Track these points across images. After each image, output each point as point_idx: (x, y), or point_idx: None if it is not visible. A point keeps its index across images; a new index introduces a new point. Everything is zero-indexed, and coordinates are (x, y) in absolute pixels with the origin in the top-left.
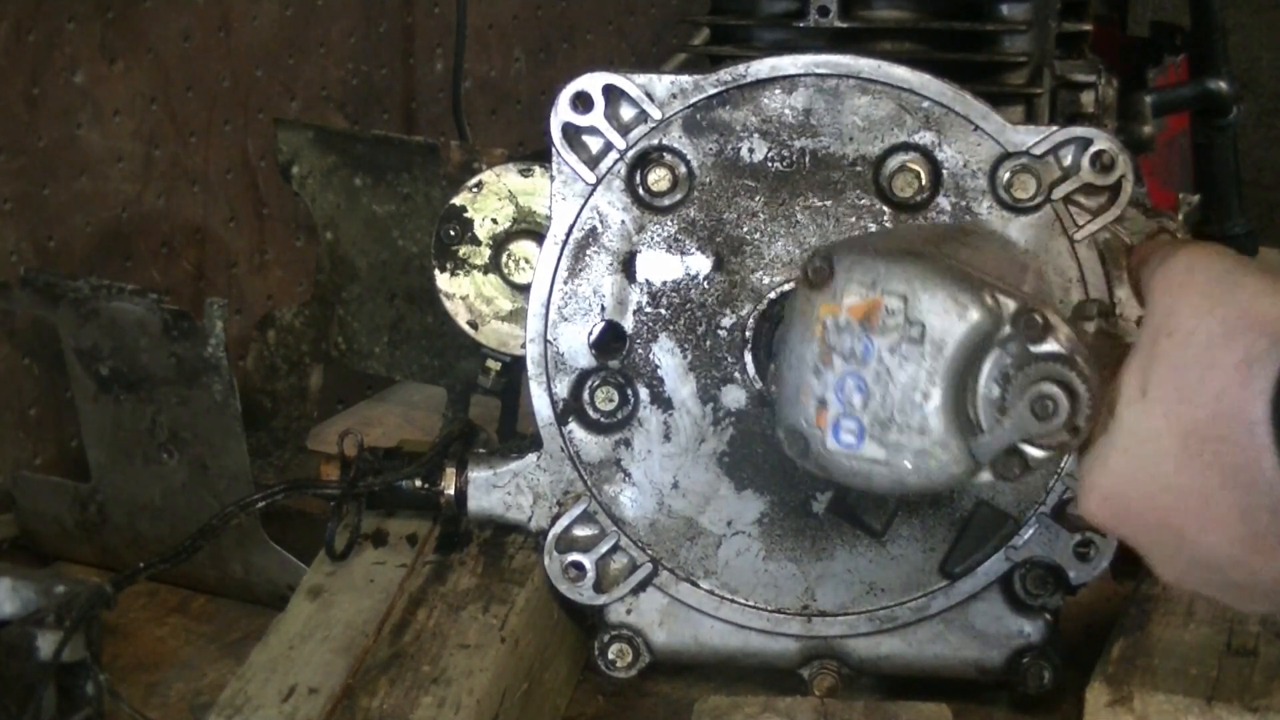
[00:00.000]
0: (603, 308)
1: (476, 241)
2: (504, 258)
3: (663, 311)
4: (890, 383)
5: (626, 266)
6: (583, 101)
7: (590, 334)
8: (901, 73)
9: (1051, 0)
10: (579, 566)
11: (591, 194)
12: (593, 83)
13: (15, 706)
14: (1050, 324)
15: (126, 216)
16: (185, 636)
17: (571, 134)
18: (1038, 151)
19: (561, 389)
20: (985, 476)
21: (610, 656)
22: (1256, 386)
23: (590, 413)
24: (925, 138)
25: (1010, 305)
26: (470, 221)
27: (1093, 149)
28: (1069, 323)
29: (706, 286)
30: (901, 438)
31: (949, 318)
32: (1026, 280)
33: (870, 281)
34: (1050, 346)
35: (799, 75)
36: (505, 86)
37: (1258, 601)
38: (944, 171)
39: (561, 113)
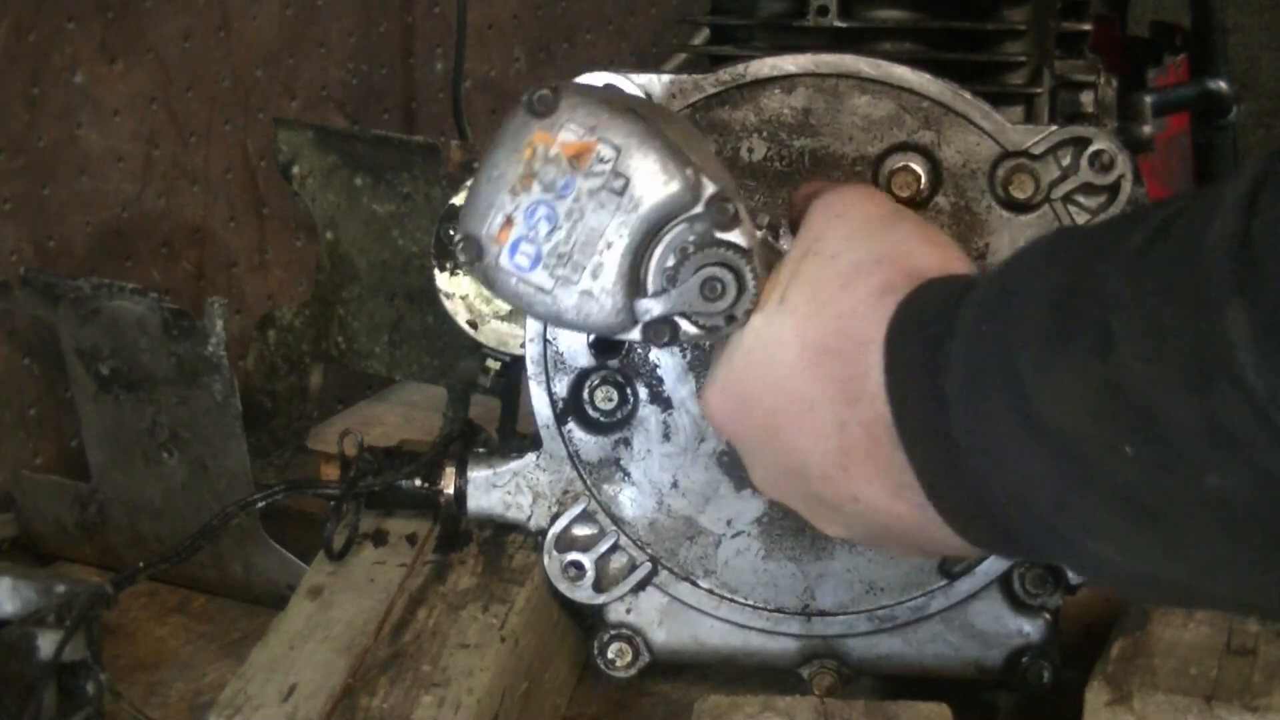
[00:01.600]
0: None
1: None
2: None
3: None
4: (580, 221)
5: None
6: None
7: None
8: (901, 72)
9: (1051, 0)
10: (578, 566)
11: None
12: (593, 82)
13: (15, 706)
14: (740, 216)
15: (126, 216)
16: (185, 636)
17: None
18: (1037, 151)
19: (561, 388)
20: (635, 335)
21: (610, 656)
22: (881, 311)
23: (590, 412)
24: (925, 137)
25: (709, 189)
26: None
27: (1092, 149)
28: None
29: None
30: (573, 275)
31: (654, 180)
32: (721, 169)
33: (591, 126)
34: (734, 236)
35: (798, 75)
36: (505, 86)
37: (832, 523)
38: (943, 171)
39: None
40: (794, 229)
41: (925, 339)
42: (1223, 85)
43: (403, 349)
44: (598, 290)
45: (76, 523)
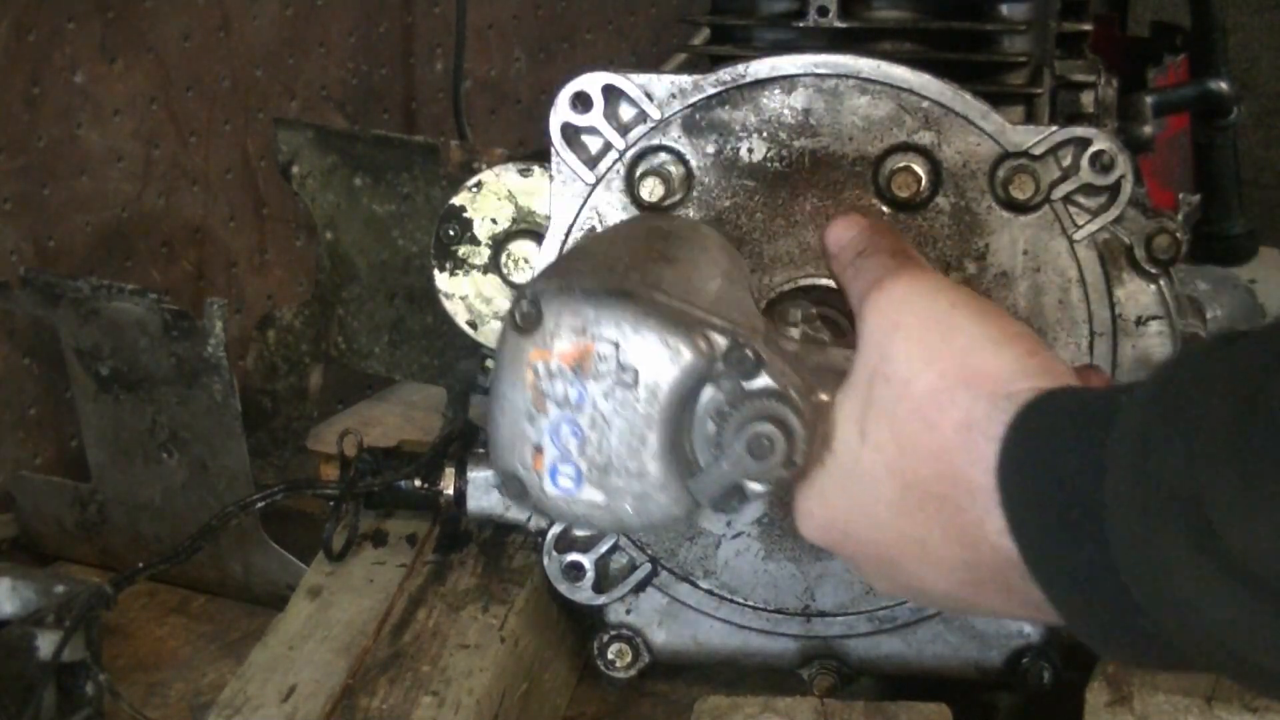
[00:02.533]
0: None
1: (476, 241)
2: (503, 257)
3: None
4: (606, 428)
5: None
6: (582, 101)
7: None
8: (901, 73)
9: (1051, 0)
10: (578, 566)
11: (591, 194)
12: (592, 83)
13: (15, 706)
14: (761, 359)
15: (126, 216)
16: (185, 636)
17: (571, 134)
18: (1037, 152)
19: None
20: (708, 514)
21: (610, 656)
22: (978, 451)
23: None
24: (925, 138)
25: (721, 343)
26: (469, 221)
27: (1092, 149)
28: (773, 336)
29: None
30: (620, 481)
31: (661, 362)
32: (735, 287)
33: (580, 327)
34: (762, 382)
35: (798, 75)
36: (505, 86)
37: (966, 613)
38: (943, 171)
39: (561, 112)
40: (847, 299)
41: (1052, 484)
42: (1223, 85)
43: (403, 349)
44: (651, 489)
45: (76, 523)
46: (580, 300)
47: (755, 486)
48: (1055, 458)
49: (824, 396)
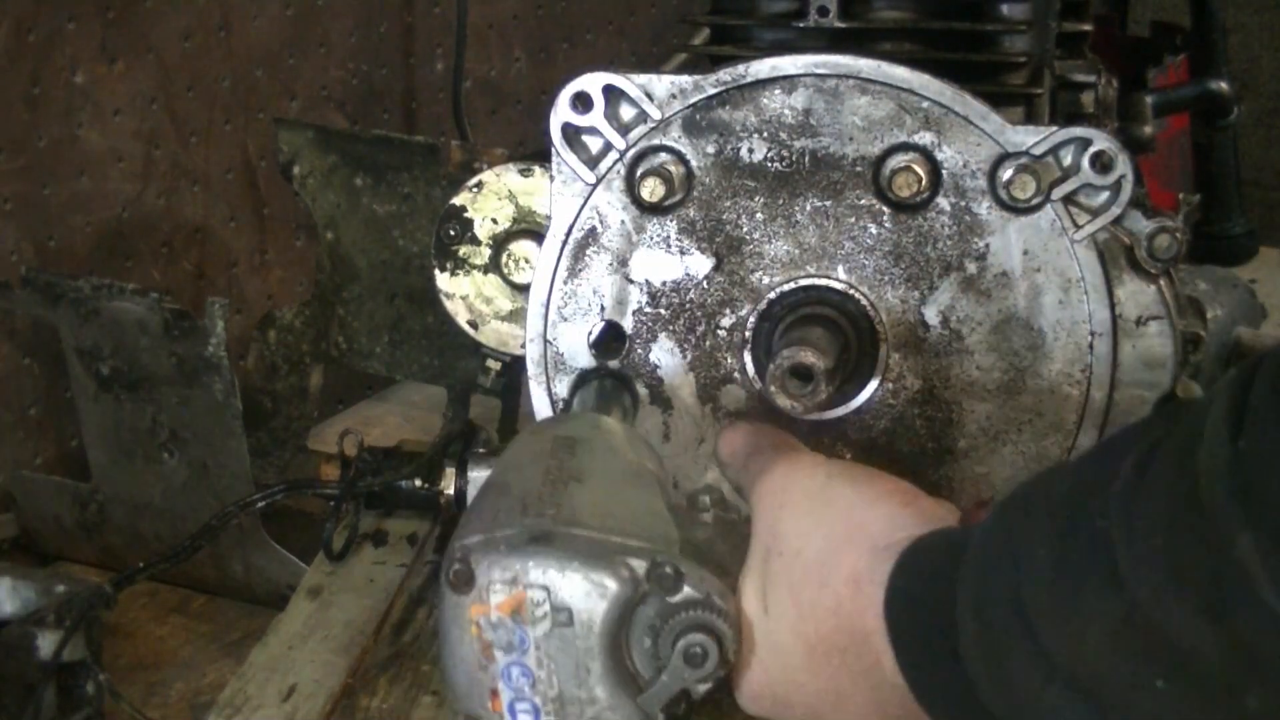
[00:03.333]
0: (602, 308)
1: (476, 241)
2: (504, 257)
3: (662, 312)
4: (553, 665)
5: (626, 266)
6: (582, 101)
7: (590, 334)
8: (901, 73)
9: (1051, 0)
10: None
11: (591, 194)
12: (592, 83)
13: (15, 706)
14: (680, 573)
15: (127, 216)
16: (185, 636)
17: (571, 134)
18: (1037, 152)
19: (561, 389)
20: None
21: None
22: (867, 599)
23: None
24: (925, 138)
25: (641, 567)
26: (470, 221)
27: (1092, 149)
28: (688, 519)
29: (706, 287)
30: (574, 709)
31: (591, 598)
32: (642, 490)
33: (511, 579)
34: (685, 594)
35: (799, 75)
36: (505, 86)
37: None
38: (943, 172)
39: (561, 113)
40: (737, 490)
41: (926, 615)
42: (1223, 85)
43: (403, 349)
44: (604, 711)
45: (76, 523)
46: (505, 554)
47: (699, 688)
48: (925, 592)
49: (735, 564)
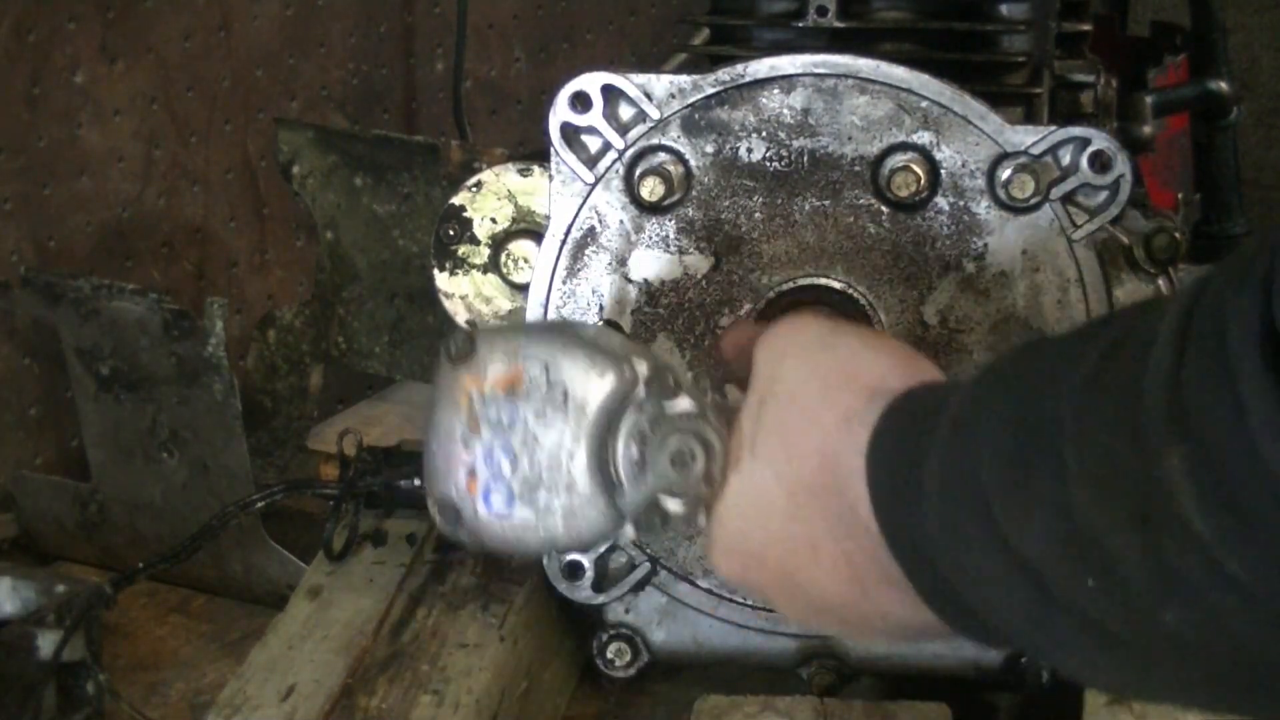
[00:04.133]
0: (601, 307)
1: (475, 241)
2: (503, 257)
3: (661, 311)
4: (537, 445)
5: (625, 266)
6: (581, 101)
7: None
8: (900, 73)
9: (1051, 0)
10: (578, 566)
11: (590, 193)
12: (591, 83)
13: (15, 706)
14: (680, 383)
15: (127, 216)
16: (185, 636)
17: (570, 134)
18: (1036, 151)
19: None
20: (629, 530)
21: (609, 656)
22: (854, 438)
23: None
24: (923, 138)
25: (643, 368)
26: (469, 221)
27: (1091, 149)
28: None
29: (705, 286)
30: (551, 497)
31: (589, 379)
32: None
33: (513, 351)
34: (683, 404)
35: (797, 75)
36: (505, 86)
37: (873, 635)
38: (942, 171)
39: (560, 112)
40: (728, 378)
41: (904, 462)
42: (1223, 85)
43: (403, 349)
44: (578, 504)
45: (76, 523)
46: (513, 331)
47: (674, 505)
48: (904, 441)
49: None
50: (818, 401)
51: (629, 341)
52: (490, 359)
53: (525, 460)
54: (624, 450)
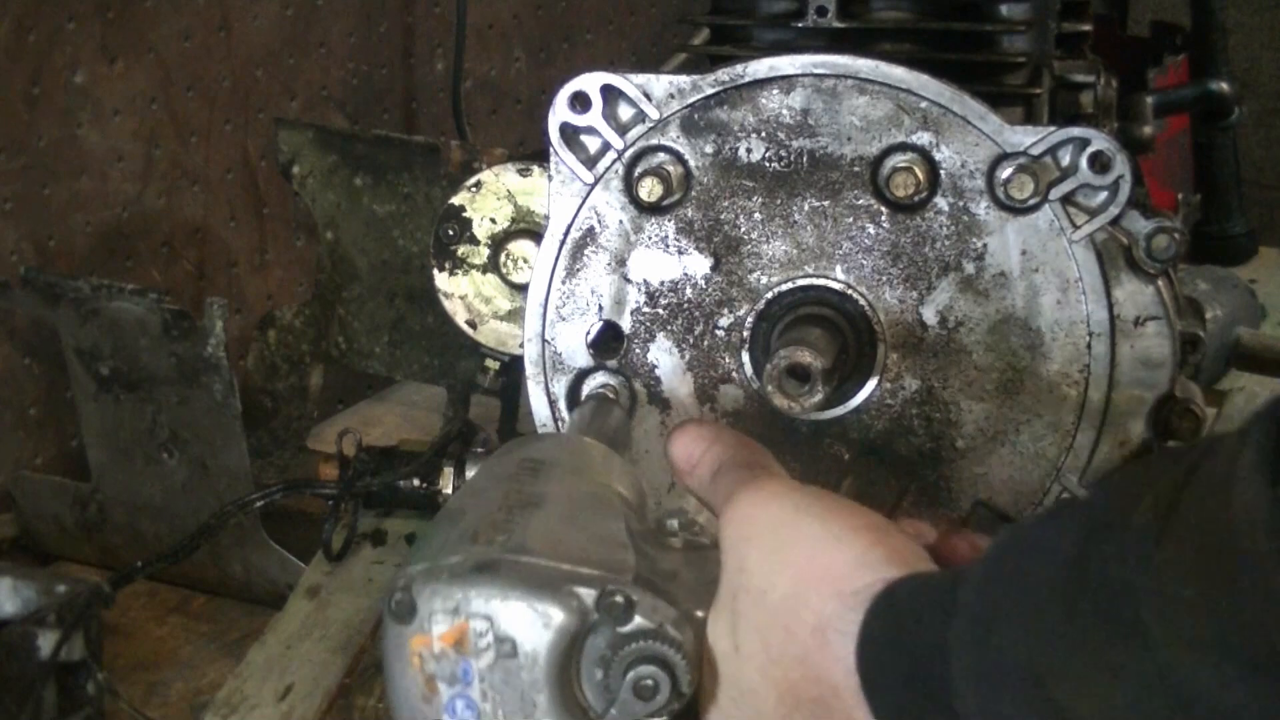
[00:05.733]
0: (600, 307)
1: (475, 241)
2: (502, 257)
3: (660, 311)
4: (498, 697)
5: (624, 266)
6: (581, 101)
7: (588, 334)
8: (899, 73)
9: (1051, 0)
10: None
11: (589, 194)
12: (591, 83)
13: (15, 706)
14: (631, 601)
15: (127, 216)
16: (185, 636)
17: (569, 134)
18: (1035, 152)
19: (560, 388)
20: None
21: None
22: (834, 651)
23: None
24: (923, 138)
25: (590, 595)
26: (469, 221)
27: (1090, 149)
28: (655, 544)
29: (704, 286)
30: None
31: (535, 628)
32: (606, 519)
33: (453, 608)
34: (636, 623)
35: (797, 75)
36: (505, 86)
37: None
38: (942, 172)
39: (559, 113)
40: (707, 507)
41: (909, 669)
42: (1224, 86)
43: (403, 349)
44: None
45: (76, 522)
46: (448, 583)
47: None
48: (906, 646)
49: (702, 614)
50: (789, 606)
51: (581, 545)
52: (432, 617)
53: (489, 711)
54: (587, 680)
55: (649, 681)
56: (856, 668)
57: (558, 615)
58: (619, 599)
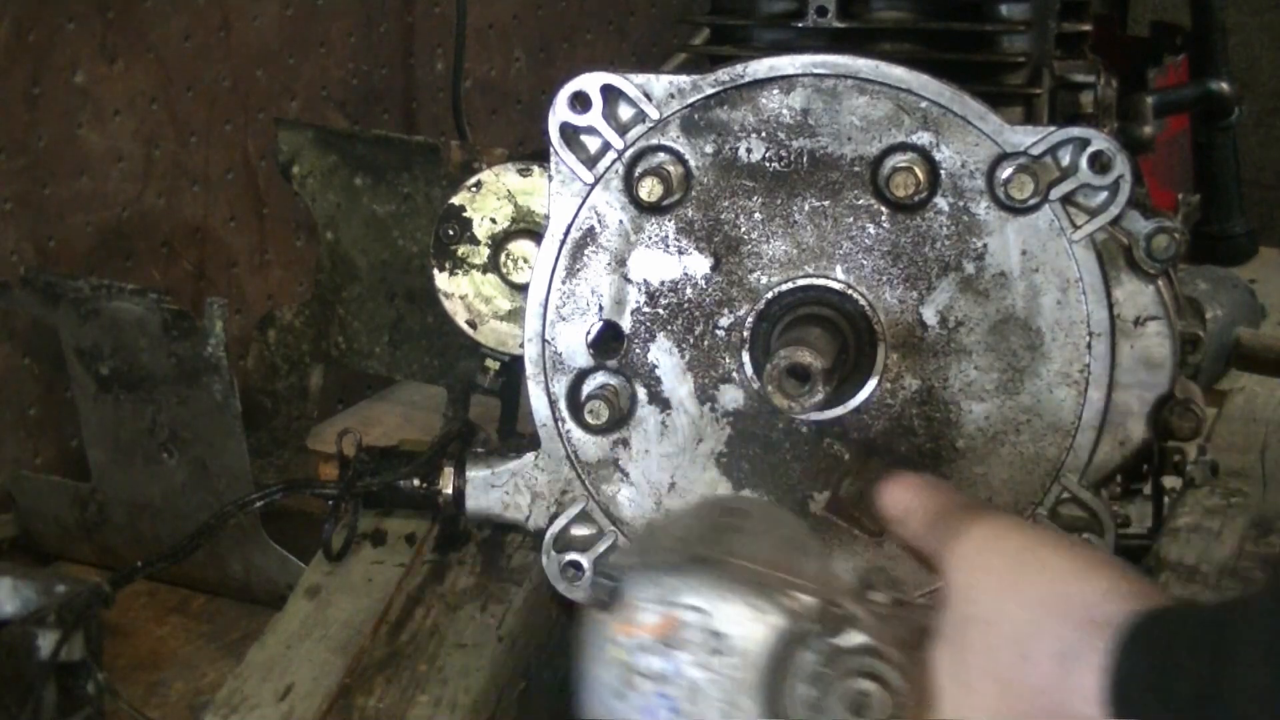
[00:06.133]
0: (601, 307)
1: (475, 241)
2: (503, 257)
3: (660, 311)
4: (702, 698)
5: (624, 266)
6: (581, 101)
7: (588, 333)
8: (899, 73)
9: (1051, 0)
10: (577, 566)
11: (589, 194)
12: (591, 83)
13: (15, 706)
14: (853, 616)
15: (127, 216)
16: (185, 636)
17: (570, 134)
18: (1035, 152)
19: (560, 388)
20: None
21: None
22: (1079, 682)
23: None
24: (923, 138)
25: (810, 603)
26: (469, 221)
27: (1090, 149)
28: (861, 601)
29: (704, 286)
30: None
31: (750, 625)
32: (809, 558)
33: (663, 597)
34: (857, 639)
35: (797, 75)
36: (505, 86)
37: None
38: (942, 172)
39: (560, 113)
40: (921, 562)
41: (1173, 701)
42: (1223, 85)
43: (403, 349)
44: None
45: (76, 522)
46: (660, 571)
47: None
48: (1172, 680)
49: (918, 654)
50: (1028, 633)
51: (783, 558)
52: (640, 607)
53: (690, 709)
54: (799, 694)
55: (864, 696)
56: (1110, 699)
57: (774, 614)
58: (840, 611)
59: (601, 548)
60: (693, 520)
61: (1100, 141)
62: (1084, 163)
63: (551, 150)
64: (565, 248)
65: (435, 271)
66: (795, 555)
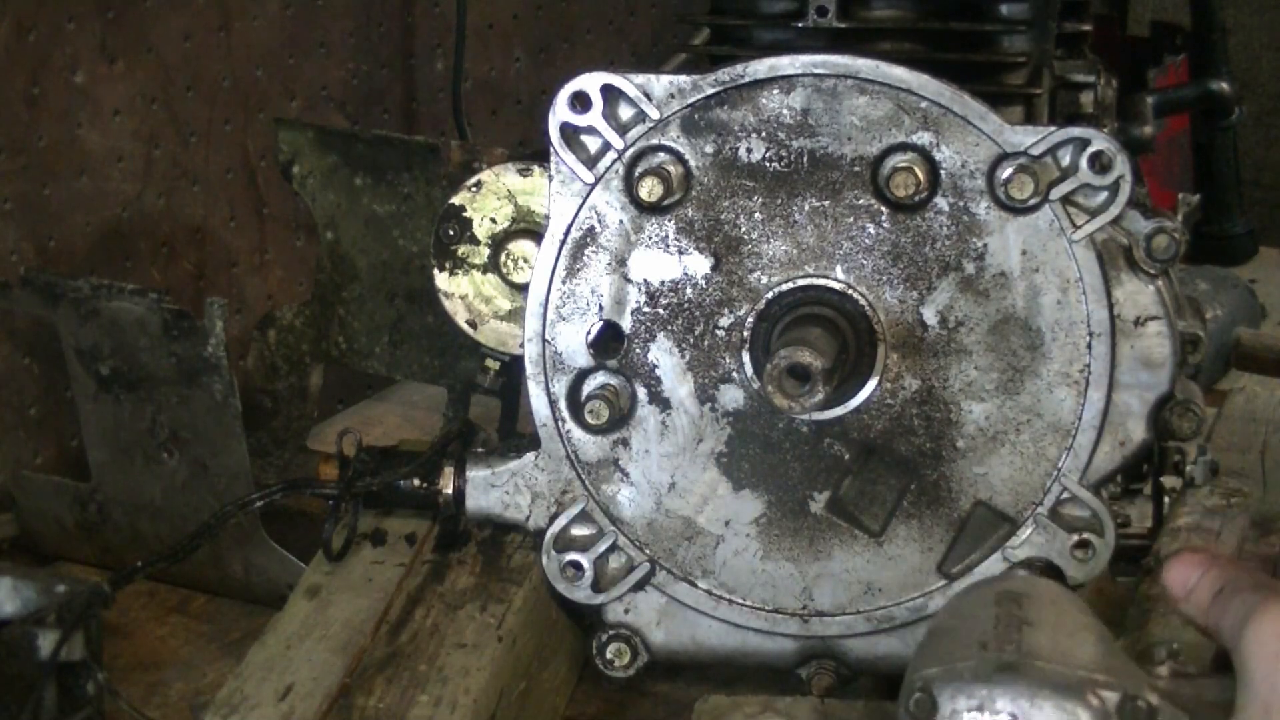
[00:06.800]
0: (601, 307)
1: (475, 241)
2: (503, 257)
3: (661, 311)
4: None
5: (624, 266)
6: (581, 101)
7: (588, 333)
8: (899, 73)
9: (1051, 0)
10: (577, 566)
11: (590, 194)
12: (591, 83)
13: (15, 706)
14: (1154, 709)
15: (127, 216)
16: (185, 636)
17: (570, 134)
18: (1036, 152)
19: (560, 388)
20: None
21: (608, 656)
22: None
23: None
24: (923, 138)
25: (1112, 699)
26: (469, 221)
27: (1090, 149)
28: (1154, 680)
29: (704, 286)
30: None
31: None
32: (1099, 643)
33: (978, 706)
34: None
35: (797, 75)
36: (505, 86)
37: None
38: (942, 171)
39: (560, 113)
40: (1208, 635)
41: None
42: (1223, 85)
43: (403, 349)
44: None
45: (76, 522)
46: (970, 681)
47: None
48: None
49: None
50: None
51: (1069, 642)
52: (955, 716)
53: None
54: None
55: None
56: None
57: (1085, 715)
58: (1141, 704)
59: (602, 548)
60: (979, 612)
61: (1100, 141)
62: (1084, 163)
63: (551, 150)
64: (565, 248)
65: (435, 271)
66: (1086, 643)
